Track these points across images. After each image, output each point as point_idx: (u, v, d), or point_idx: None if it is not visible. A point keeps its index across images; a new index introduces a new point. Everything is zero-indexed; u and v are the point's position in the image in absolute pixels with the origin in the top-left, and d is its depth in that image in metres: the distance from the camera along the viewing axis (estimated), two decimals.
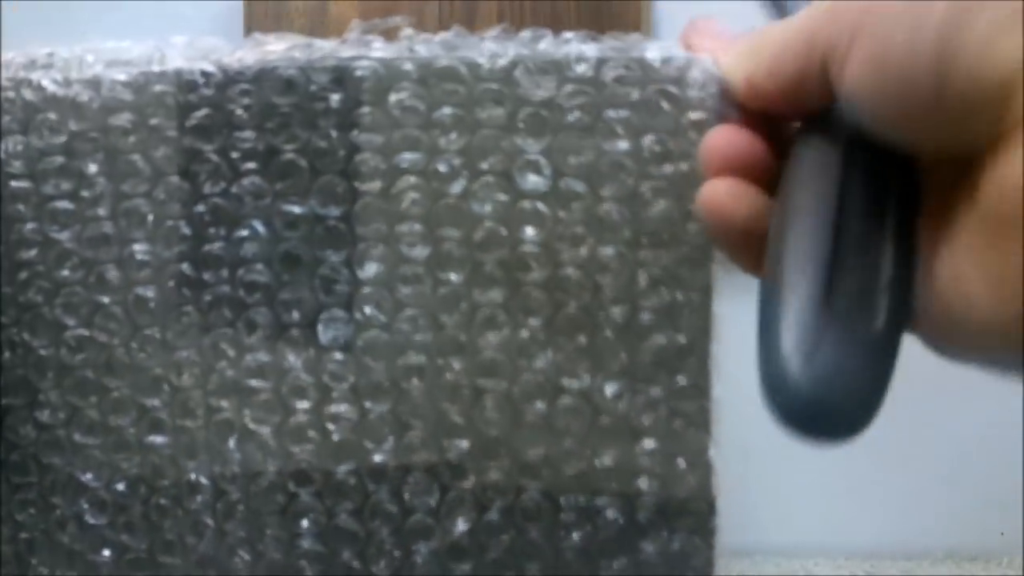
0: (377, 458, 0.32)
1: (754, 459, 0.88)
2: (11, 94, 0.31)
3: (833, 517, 0.86)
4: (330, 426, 0.32)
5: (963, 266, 0.21)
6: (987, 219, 0.20)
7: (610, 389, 0.31)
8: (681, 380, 0.31)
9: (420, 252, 0.31)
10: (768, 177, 0.26)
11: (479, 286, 0.31)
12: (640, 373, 0.31)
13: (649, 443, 0.31)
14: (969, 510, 0.83)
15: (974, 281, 0.21)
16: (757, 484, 0.89)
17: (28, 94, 0.31)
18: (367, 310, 0.31)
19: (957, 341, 0.22)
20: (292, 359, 0.31)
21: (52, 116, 0.31)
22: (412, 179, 0.30)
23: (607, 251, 0.30)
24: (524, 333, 0.31)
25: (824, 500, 0.86)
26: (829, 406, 0.21)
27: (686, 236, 0.30)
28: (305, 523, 0.32)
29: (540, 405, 0.31)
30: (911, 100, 0.21)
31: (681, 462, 0.31)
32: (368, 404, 0.31)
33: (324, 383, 0.31)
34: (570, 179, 0.30)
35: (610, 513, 0.31)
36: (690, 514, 0.31)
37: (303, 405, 0.32)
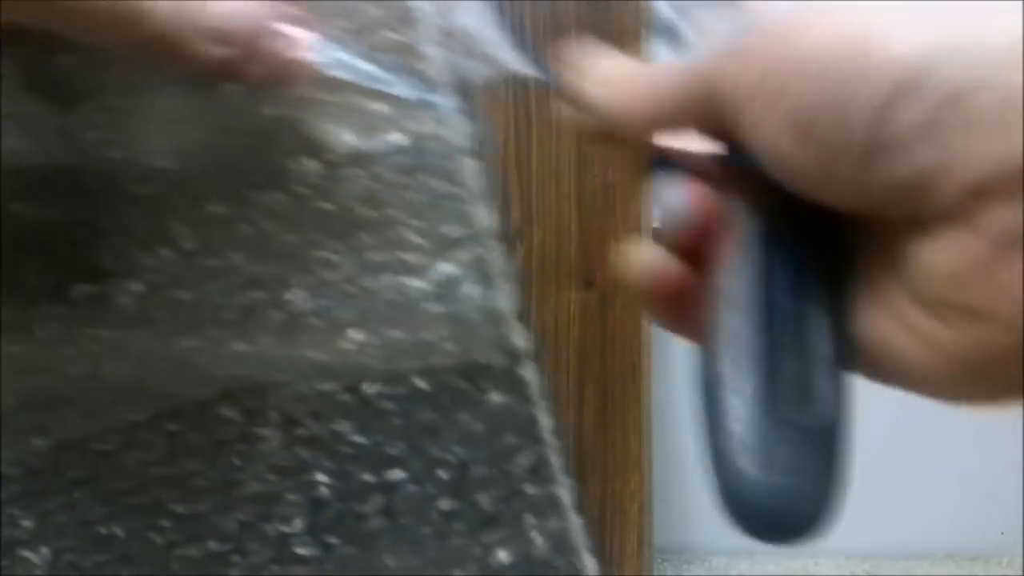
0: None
1: None
2: None
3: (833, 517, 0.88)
4: None
5: (894, 330, 0.21)
6: (917, 296, 0.20)
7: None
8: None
9: None
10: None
11: None
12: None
13: (436, 308, 0.30)
14: (969, 510, 0.84)
15: (907, 346, 0.20)
16: None
17: None
18: None
19: (893, 384, 0.22)
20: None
21: None
22: None
23: None
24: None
25: None
26: (791, 514, 0.21)
27: None
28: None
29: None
30: (830, 169, 0.20)
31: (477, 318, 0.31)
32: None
33: None
34: None
35: (424, 392, 0.31)
36: (492, 371, 0.31)
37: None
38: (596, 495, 0.68)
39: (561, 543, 0.32)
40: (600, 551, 0.70)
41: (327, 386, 0.31)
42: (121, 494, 0.31)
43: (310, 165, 0.29)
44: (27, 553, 0.31)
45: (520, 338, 0.31)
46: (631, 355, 0.70)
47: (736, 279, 0.23)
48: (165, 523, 0.31)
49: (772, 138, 0.21)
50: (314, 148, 0.29)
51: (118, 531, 0.31)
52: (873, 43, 0.19)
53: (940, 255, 0.19)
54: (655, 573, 0.79)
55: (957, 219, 0.19)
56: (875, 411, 0.87)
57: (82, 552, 0.31)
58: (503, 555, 0.31)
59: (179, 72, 0.26)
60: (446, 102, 0.29)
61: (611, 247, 0.25)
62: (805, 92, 0.20)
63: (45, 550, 0.31)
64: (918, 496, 0.87)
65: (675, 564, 0.86)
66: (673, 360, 0.81)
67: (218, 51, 0.24)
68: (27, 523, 0.31)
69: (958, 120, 0.18)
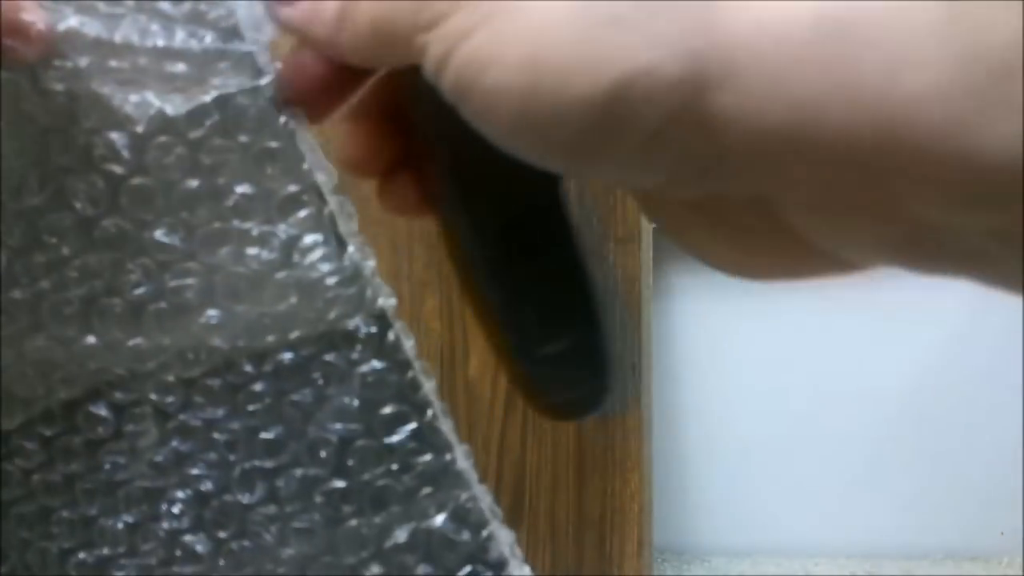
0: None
1: (754, 459, 0.85)
2: None
3: (833, 517, 0.84)
4: None
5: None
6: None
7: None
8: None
9: None
10: None
11: None
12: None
13: (286, 275, 0.28)
14: (969, 510, 0.82)
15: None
16: (757, 484, 0.88)
17: None
18: None
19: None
20: None
21: None
22: None
23: None
24: None
25: (824, 500, 0.84)
26: (577, 413, 0.26)
27: None
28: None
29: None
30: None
31: (331, 282, 0.28)
32: None
33: None
34: None
35: (291, 368, 0.29)
36: (358, 337, 0.28)
37: None
38: (596, 495, 0.66)
39: (464, 515, 0.29)
40: (600, 551, 0.68)
41: (192, 372, 0.29)
42: (11, 504, 0.30)
43: (118, 140, 0.27)
44: None
45: (384, 297, 0.28)
46: (630, 355, 0.67)
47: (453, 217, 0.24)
48: (56, 530, 0.30)
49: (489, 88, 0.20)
50: (117, 121, 0.26)
51: (14, 542, 0.31)
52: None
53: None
54: (655, 573, 0.78)
55: None
56: (875, 411, 0.82)
57: None
58: (400, 534, 0.29)
59: None
60: (255, 49, 0.26)
61: None
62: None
63: None
64: (918, 496, 0.83)
65: (675, 564, 0.84)
66: (673, 360, 0.80)
67: None
68: None
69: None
